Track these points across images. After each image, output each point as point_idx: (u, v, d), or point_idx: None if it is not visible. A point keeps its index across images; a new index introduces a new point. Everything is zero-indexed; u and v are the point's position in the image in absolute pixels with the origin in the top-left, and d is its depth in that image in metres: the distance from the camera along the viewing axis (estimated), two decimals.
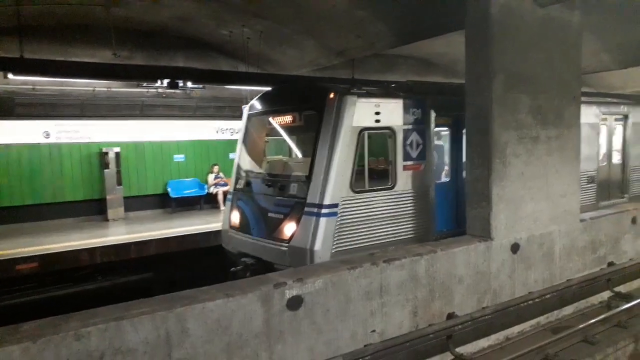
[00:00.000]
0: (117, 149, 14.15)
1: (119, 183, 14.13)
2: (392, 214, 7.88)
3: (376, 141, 7.92)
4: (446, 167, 9.22)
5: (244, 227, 8.54)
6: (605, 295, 8.06)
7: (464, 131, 7.97)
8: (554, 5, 7.47)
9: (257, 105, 9.11)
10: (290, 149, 8.96)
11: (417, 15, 8.74)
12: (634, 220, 9.40)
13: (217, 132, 15.81)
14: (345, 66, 11.58)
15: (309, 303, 5.40)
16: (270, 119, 8.85)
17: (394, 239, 7.86)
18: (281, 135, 8.76)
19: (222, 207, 13.70)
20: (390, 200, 7.85)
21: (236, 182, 9.06)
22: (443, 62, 12.89)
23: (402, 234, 7.99)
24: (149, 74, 11.35)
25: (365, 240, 7.54)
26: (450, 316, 6.39)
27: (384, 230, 7.78)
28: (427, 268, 6.43)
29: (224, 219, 9.22)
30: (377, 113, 7.71)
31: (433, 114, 8.31)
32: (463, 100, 7.48)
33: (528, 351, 5.91)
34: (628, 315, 7.14)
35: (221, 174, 15.00)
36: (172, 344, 4.42)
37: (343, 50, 10.39)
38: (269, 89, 9.54)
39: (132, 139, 14.70)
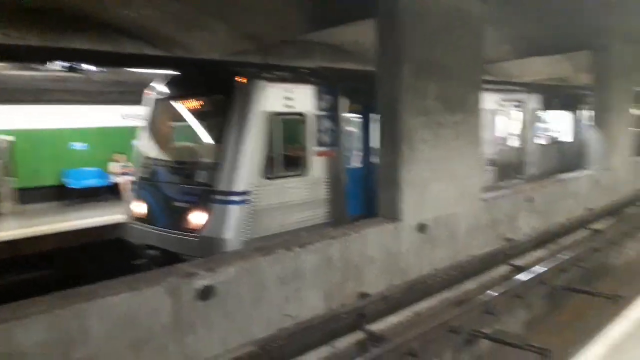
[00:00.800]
0: (10, 137, 12.96)
1: (11, 174, 12.97)
2: (305, 200, 7.91)
3: (288, 127, 7.88)
4: (358, 153, 9.41)
5: (149, 218, 8.19)
6: (504, 269, 8.66)
7: (375, 118, 8.15)
8: None
9: (163, 89, 8.73)
10: (198, 135, 8.68)
11: (330, 2, 8.76)
12: (529, 199, 10.15)
13: (122, 118, 14.96)
14: (258, 51, 11.37)
15: (222, 292, 5.31)
16: (177, 103, 8.51)
17: (307, 224, 7.91)
18: (189, 121, 8.46)
19: None
20: (303, 186, 7.88)
21: (140, 171, 8.65)
22: (356, 49, 13.04)
23: (316, 219, 8.06)
24: (44, 56, 10.45)
25: (278, 227, 7.52)
26: (363, 296, 6.56)
27: (297, 216, 7.80)
28: (341, 251, 6.53)
29: (127, 210, 8.80)
30: (289, 98, 7.67)
31: (345, 101, 8.41)
32: (374, 87, 7.63)
33: (435, 325, 6.21)
34: (523, 286, 7.72)
35: (127, 163, 14.25)
36: (72, 344, 4.15)
37: (256, 35, 10.19)
38: (176, 72, 9.19)
39: (26, 126, 13.54)
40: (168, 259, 7.24)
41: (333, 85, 8.38)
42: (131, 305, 4.56)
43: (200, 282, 5.13)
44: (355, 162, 9.34)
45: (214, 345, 5.25)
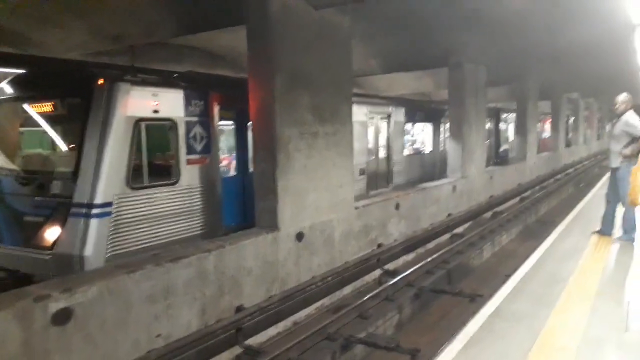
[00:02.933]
0: None
1: None
2: (177, 211, 7.52)
3: (156, 133, 7.44)
4: (233, 161, 9.19)
5: None
6: (377, 273, 9.01)
7: (249, 125, 8.03)
8: (328, 8, 7.99)
9: (7, 89, 7.73)
10: (51, 142, 7.81)
11: (199, 6, 8.48)
12: (397, 206, 10.72)
13: None
14: (124, 53, 10.62)
15: (81, 315, 4.85)
16: (26, 106, 7.59)
17: (180, 236, 7.52)
18: (40, 126, 7.59)
19: None
20: (174, 196, 7.47)
21: None
22: (230, 56, 12.80)
23: (189, 230, 7.70)
24: None
25: (148, 240, 7.03)
26: (239, 309, 6.36)
27: (169, 228, 7.37)
28: (215, 264, 6.32)
29: None
30: (156, 103, 7.24)
31: (217, 107, 8.18)
32: (248, 94, 7.50)
33: (312, 333, 6.21)
34: (394, 289, 8.06)
35: None
36: None
37: (119, 36, 9.48)
38: (22, 71, 8.24)
39: None
40: (18, 280, 6.41)
41: (206, 90, 8.09)
42: None
43: (55, 305, 4.62)
44: (232, 170, 9.11)
45: None
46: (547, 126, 30.34)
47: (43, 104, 7.30)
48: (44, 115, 7.40)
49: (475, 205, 14.58)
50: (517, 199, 17.46)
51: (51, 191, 6.79)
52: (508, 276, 7.00)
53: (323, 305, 7.94)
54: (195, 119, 7.84)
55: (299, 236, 7.72)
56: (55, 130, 7.60)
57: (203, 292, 6.12)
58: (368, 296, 7.54)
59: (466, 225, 13.28)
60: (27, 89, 7.67)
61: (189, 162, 7.70)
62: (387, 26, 11.59)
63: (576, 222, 9.84)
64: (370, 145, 13.70)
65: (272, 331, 6.67)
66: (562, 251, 7.61)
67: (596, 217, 8.56)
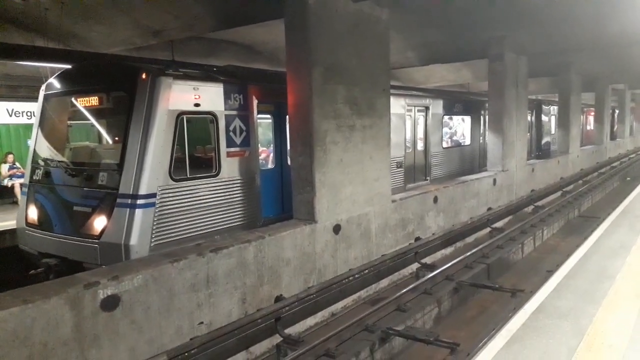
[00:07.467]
0: None
1: None
2: (217, 202, 7.63)
3: (197, 127, 7.56)
4: (271, 154, 9.27)
5: (44, 223, 7.47)
6: (414, 266, 8.94)
7: (288, 118, 8.07)
8: (365, 1, 7.93)
9: (56, 84, 7.99)
10: (98, 135, 8.02)
11: (238, 1, 8.59)
12: (435, 200, 10.61)
13: (10, 115, 13.56)
14: (164, 48, 10.87)
15: (127, 302, 5.02)
16: (73, 100, 7.84)
17: (220, 227, 7.64)
18: (87, 119, 7.82)
19: None
20: (215, 188, 7.59)
21: (33, 173, 7.87)
22: (267, 49, 12.92)
23: (229, 221, 7.81)
24: None
25: (189, 231, 7.17)
26: (278, 299, 6.45)
27: (209, 218, 7.50)
28: (255, 254, 6.42)
29: (19, 215, 7.98)
30: (197, 97, 7.35)
31: (256, 100, 8.24)
32: (286, 88, 7.54)
33: (350, 324, 6.22)
34: (432, 283, 7.98)
35: (17, 164, 12.96)
36: None
37: (160, 31, 9.73)
38: (70, 66, 8.48)
39: None
40: (69, 267, 6.66)
41: (245, 84, 8.17)
42: (23, 320, 4.16)
43: (104, 292, 4.81)
44: (270, 162, 9.20)
45: (121, 358, 4.94)
46: (591, 118, 29.31)
47: (89, 98, 7.51)
48: (90, 109, 7.63)
49: (516, 199, 14.27)
50: (559, 193, 16.97)
51: (98, 182, 7.01)
52: (550, 272, 6.83)
53: (360, 298, 7.95)
54: (234, 112, 7.92)
55: (336, 229, 7.75)
56: (101, 124, 7.82)
57: (243, 282, 6.23)
58: (406, 289, 7.49)
59: (506, 220, 13.03)
60: (74, 83, 7.91)
61: (228, 154, 7.81)
62: (426, 18, 11.42)
63: (623, 217, 9.50)
64: (408, 138, 13.52)
65: (310, 321, 6.73)
66: (609, 247, 7.36)
67: None
